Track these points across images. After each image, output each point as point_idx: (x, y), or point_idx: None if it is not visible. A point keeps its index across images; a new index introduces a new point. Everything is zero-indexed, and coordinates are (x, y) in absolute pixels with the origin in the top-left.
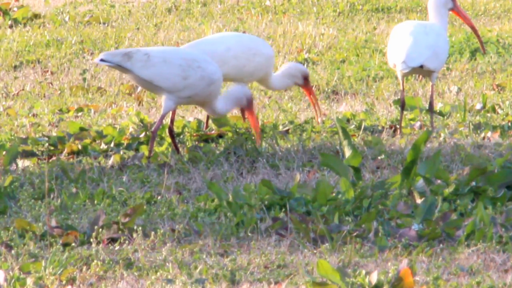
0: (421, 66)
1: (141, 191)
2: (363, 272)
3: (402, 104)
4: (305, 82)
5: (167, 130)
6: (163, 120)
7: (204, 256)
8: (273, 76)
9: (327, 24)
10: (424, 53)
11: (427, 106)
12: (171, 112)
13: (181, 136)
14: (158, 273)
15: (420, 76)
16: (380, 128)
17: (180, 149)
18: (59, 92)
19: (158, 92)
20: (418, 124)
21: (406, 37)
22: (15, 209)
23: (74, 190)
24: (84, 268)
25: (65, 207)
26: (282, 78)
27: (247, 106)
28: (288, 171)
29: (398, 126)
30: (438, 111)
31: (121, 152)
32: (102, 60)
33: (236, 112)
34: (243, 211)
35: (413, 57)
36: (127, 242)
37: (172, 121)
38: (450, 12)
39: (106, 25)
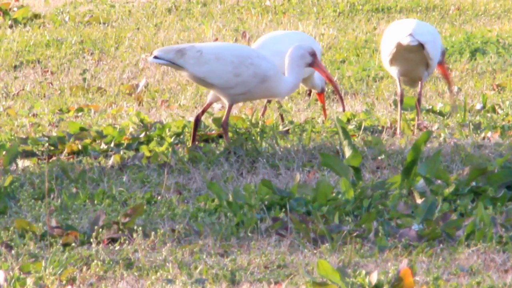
0: (423, 47)
1: (141, 191)
2: (363, 272)
3: (401, 99)
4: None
5: (194, 118)
6: (230, 113)
7: (204, 256)
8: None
9: (327, 24)
10: (428, 35)
11: (427, 106)
12: (207, 103)
13: (181, 136)
14: (158, 273)
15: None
16: (380, 128)
17: (180, 149)
18: (59, 92)
19: (212, 89)
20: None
21: (408, 22)
22: (15, 209)
23: (74, 190)
24: (84, 268)
25: (65, 207)
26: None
27: (313, 61)
28: (288, 171)
29: (396, 125)
30: (438, 111)
31: (121, 152)
32: (155, 57)
33: (236, 112)
34: (243, 211)
35: (420, 32)
36: (127, 242)
37: (203, 111)
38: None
39: (106, 25)
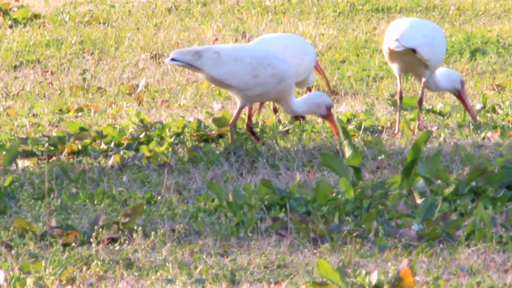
0: (414, 51)
1: (141, 191)
2: (363, 272)
3: (400, 97)
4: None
5: (246, 127)
6: (240, 114)
7: (204, 256)
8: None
9: (327, 24)
10: (419, 38)
11: (427, 106)
12: (247, 108)
13: (181, 136)
14: (158, 273)
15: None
16: (380, 128)
17: (180, 149)
18: (59, 92)
19: (229, 89)
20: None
21: (403, 23)
22: (15, 209)
23: (74, 190)
24: (84, 268)
25: (65, 207)
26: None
27: (326, 114)
28: (288, 171)
29: (396, 125)
30: (438, 111)
31: (121, 152)
32: (172, 59)
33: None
34: (243, 211)
35: (407, 37)
36: (127, 242)
37: (249, 117)
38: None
39: (106, 25)
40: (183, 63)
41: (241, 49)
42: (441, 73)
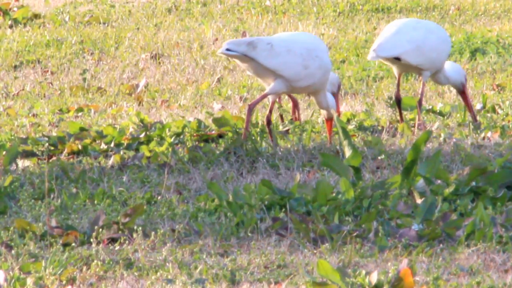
0: (399, 59)
1: (141, 191)
2: (363, 272)
3: (397, 100)
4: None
5: (265, 119)
6: (262, 100)
7: (204, 256)
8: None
9: (327, 24)
10: (403, 45)
11: (427, 106)
12: (270, 102)
13: (181, 136)
14: (158, 273)
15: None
16: (380, 128)
17: (180, 149)
18: (59, 92)
19: (273, 80)
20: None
21: (390, 29)
22: (15, 209)
23: (74, 190)
24: (84, 268)
25: (65, 207)
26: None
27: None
28: (288, 171)
29: (397, 124)
30: (438, 111)
31: (121, 152)
32: (227, 49)
33: (236, 112)
34: (243, 211)
35: (386, 47)
36: (127, 242)
37: (270, 110)
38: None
39: (106, 25)
40: (238, 53)
41: (291, 40)
42: (449, 66)
